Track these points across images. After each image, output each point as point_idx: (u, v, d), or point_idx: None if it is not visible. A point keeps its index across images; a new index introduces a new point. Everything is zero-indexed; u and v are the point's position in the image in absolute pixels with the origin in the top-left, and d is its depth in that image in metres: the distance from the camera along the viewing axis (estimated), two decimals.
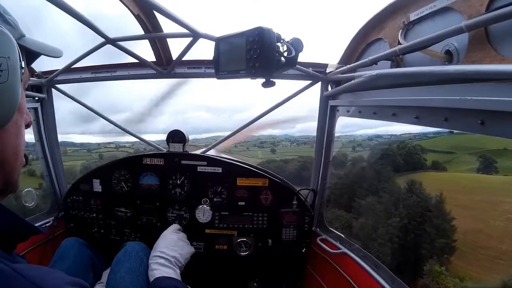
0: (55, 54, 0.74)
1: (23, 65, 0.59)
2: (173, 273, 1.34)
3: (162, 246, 1.48)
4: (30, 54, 0.68)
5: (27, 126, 0.67)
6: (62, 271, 1.38)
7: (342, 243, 1.74)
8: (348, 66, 1.50)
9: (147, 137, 2.29)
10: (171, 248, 1.47)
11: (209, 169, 1.85)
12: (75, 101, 2.05)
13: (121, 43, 1.58)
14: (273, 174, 1.95)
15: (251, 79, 1.04)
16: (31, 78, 1.84)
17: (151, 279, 1.29)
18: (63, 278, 0.56)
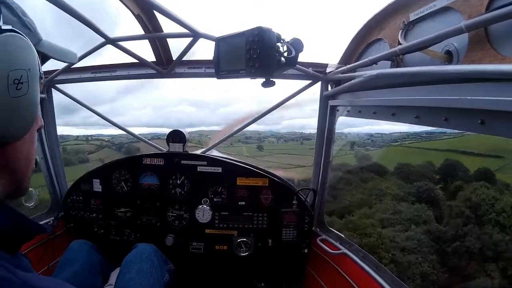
0: (71, 60, 0.72)
1: (42, 75, 0.57)
2: None
3: None
4: (43, 57, 0.66)
5: (39, 130, 0.66)
6: (70, 275, 1.35)
7: (342, 244, 1.74)
8: (348, 66, 1.50)
9: (130, 129, 2.28)
10: None
11: (209, 169, 1.86)
12: (75, 101, 2.05)
13: (121, 43, 1.58)
14: (273, 173, 1.95)
15: (251, 78, 1.04)
16: None
17: None
18: None
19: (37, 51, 0.58)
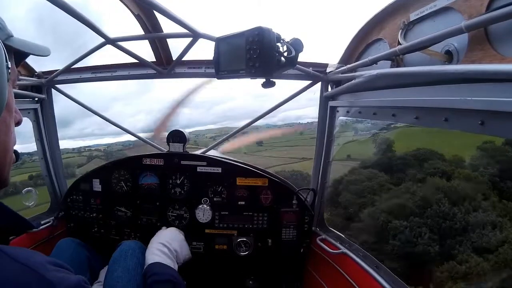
0: (43, 53, 0.75)
1: (9, 66, 0.60)
2: (172, 264, 1.35)
3: (169, 237, 1.50)
4: (19, 54, 0.70)
5: (17, 124, 0.68)
6: None
7: (342, 243, 1.74)
8: (348, 66, 1.50)
9: (126, 136, 2.29)
10: (176, 243, 1.49)
11: (209, 169, 1.86)
12: (75, 101, 2.05)
13: (121, 43, 1.58)
14: (272, 174, 1.95)
15: (251, 78, 1.04)
16: (31, 79, 1.84)
17: (149, 262, 1.29)
18: (44, 257, 0.59)
19: (9, 46, 0.63)
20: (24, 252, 0.56)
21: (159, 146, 2.17)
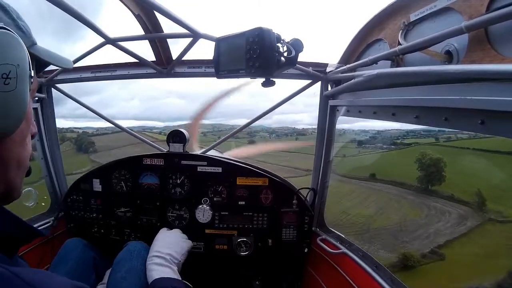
0: (65, 65, 0.73)
1: (32, 74, 0.58)
2: (170, 271, 1.34)
3: (157, 246, 1.48)
4: (39, 63, 0.67)
5: (32, 137, 0.66)
6: (63, 273, 1.37)
7: (342, 243, 1.74)
8: (348, 65, 1.50)
9: (118, 122, 2.27)
10: (165, 246, 1.47)
11: (209, 169, 1.86)
12: (75, 101, 2.05)
13: (121, 43, 1.58)
14: (273, 173, 1.95)
15: (251, 78, 1.04)
16: None
17: (150, 280, 1.28)
18: (64, 282, 0.55)
19: (32, 54, 0.60)
20: (41, 276, 0.52)
21: (158, 146, 2.17)
